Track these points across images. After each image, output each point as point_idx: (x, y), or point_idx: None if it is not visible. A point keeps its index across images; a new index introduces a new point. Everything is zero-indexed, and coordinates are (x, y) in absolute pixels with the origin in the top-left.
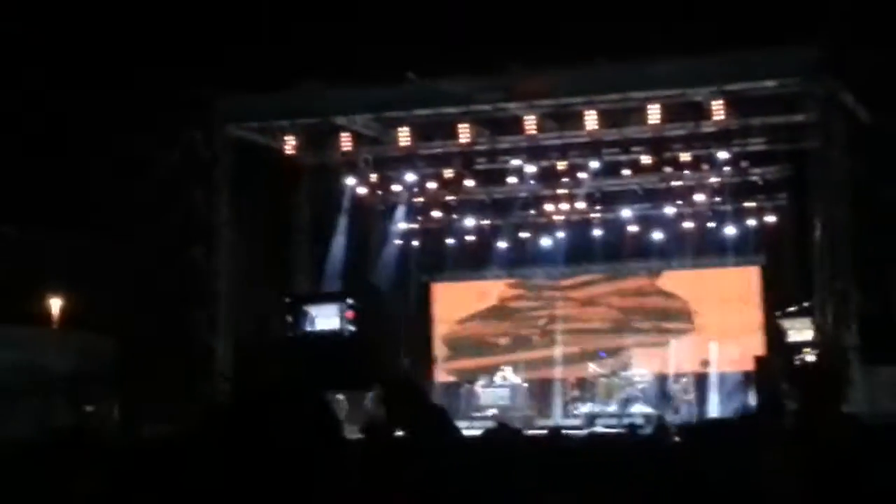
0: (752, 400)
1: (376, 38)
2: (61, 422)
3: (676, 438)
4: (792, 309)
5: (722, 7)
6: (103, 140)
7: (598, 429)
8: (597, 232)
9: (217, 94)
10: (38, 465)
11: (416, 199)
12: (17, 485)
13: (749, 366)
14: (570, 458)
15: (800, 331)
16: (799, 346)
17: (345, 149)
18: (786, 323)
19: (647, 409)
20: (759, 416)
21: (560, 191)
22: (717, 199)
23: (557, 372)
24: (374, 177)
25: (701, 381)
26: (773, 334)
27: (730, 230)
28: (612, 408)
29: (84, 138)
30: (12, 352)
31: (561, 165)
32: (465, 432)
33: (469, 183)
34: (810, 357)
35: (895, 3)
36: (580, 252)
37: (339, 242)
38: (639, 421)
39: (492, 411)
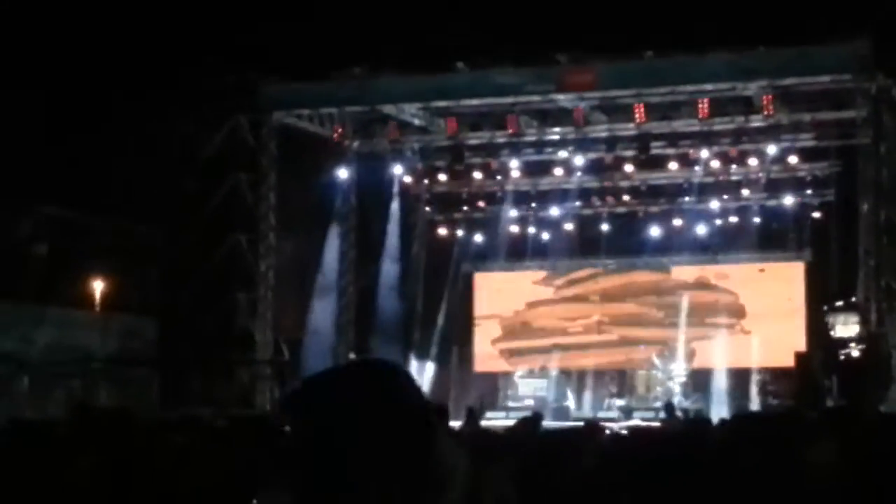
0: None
1: (426, 26)
2: (102, 401)
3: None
4: (839, 303)
5: (773, 2)
6: (150, 124)
7: (636, 421)
8: (643, 225)
9: (264, 80)
10: (75, 443)
11: (462, 189)
12: (54, 461)
13: (789, 361)
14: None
15: (846, 325)
16: (844, 342)
17: (392, 137)
18: (831, 317)
19: (687, 404)
20: (799, 411)
21: (607, 183)
22: (765, 194)
23: (595, 364)
24: (420, 166)
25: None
26: (817, 329)
27: (776, 225)
28: (650, 401)
29: (131, 123)
30: (54, 332)
31: (608, 158)
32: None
33: (515, 174)
34: (855, 352)
35: None
36: (624, 245)
37: (392, 230)
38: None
39: (528, 402)
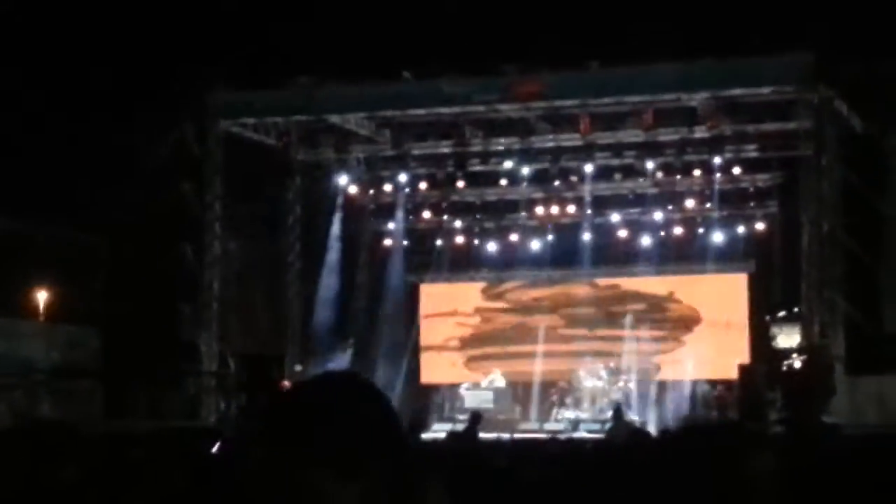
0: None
1: (372, 36)
2: (45, 413)
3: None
4: (781, 314)
5: (717, 13)
6: (92, 132)
7: (582, 434)
8: (586, 236)
9: (209, 89)
10: (15, 455)
11: (407, 200)
12: None
13: (732, 373)
14: (549, 464)
15: (788, 336)
16: (787, 352)
17: (337, 147)
18: (774, 328)
19: (632, 416)
20: (740, 422)
21: (551, 194)
22: (708, 204)
23: (542, 375)
24: (365, 176)
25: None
26: (761, 341)
27: (719, 236)
28: (596, 413)
29: (73, 130)
30: None
31: (553, 168)
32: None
33: (460, 184)
34: (797, 363)
35: (890, 13)
36: (569, 255)
37: (333, 244)
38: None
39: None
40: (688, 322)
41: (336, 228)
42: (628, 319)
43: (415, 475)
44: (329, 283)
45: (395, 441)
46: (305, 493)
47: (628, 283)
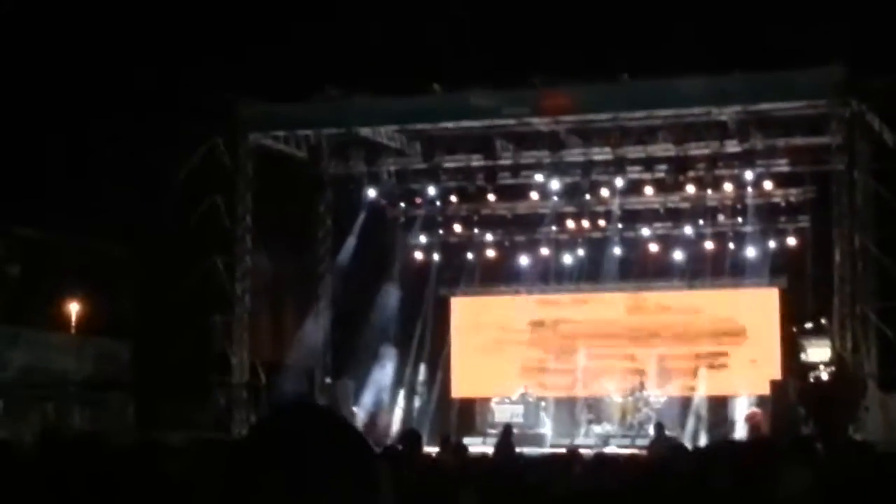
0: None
1: (402, 48)
2: (76, 425)
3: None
4: (809, 325)
5: (748, 27)
6: (125, 144)
7: (613, 448)
8: (617, 250)
9: (241, 101)
10: (46, 467)
11: (437, 213)
12: (23, 485)
13: (765, 389)
14: (581, 478)
15: (817, 349)
16: (815, 365)
17: (368, 160)
18: (802, 341)
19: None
20: (774, 439)
21: (581, 208)
22: (739, 219)
23: (573, 390)
24: (396, 189)
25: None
26: (791, 352)
27: (751, 251)
28: (626, 429)
29: (106, 143)
30: (29, 354)
31: (583, 182)
32: (477, 448)
33: (491, 198)
34: (824, 375)
35: None
36: (600, 270)
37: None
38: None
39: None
40: (719, 338)
41: (369, 241)
42: (659, 334)
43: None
44: (365, 294)
45: (358, 473)
46: None
47: (659, 297)
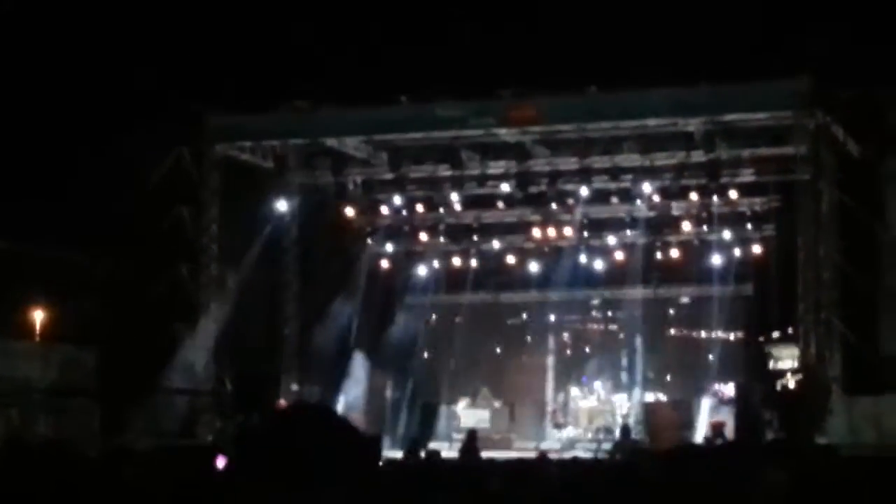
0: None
1: (369, 60)
2: (41, 432)
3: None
4: (776, 335)
5: (714, 39)
6: (90, 154)
7: (578, 452)
8: (583, 258)
9: (207, 112)
10: (7, 474)
11: (403, 222)
12: None
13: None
14: (552, 484)
15: (784, 357)
16: (782, 372)
17: (335, 170)
18: (769, 348)
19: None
20: (738, 442)
21: (547, 217)
22: (705, 227)
23: (538, 395)
24: (363, 199)
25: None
26: (757, 360)
27: (716, 259)
28: (592, 433)
29: (71, 153)
30: None
31: (550, 192)
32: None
33: (457, 207)
34: (791, 383)
35: (884, 39)
36: (566, 278)
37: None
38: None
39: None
40: (684, 342)
41: (335, 250)
42: (625, 340)
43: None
44: (331, 303)
45: (353, 465)
46: None
47: (625, 305)
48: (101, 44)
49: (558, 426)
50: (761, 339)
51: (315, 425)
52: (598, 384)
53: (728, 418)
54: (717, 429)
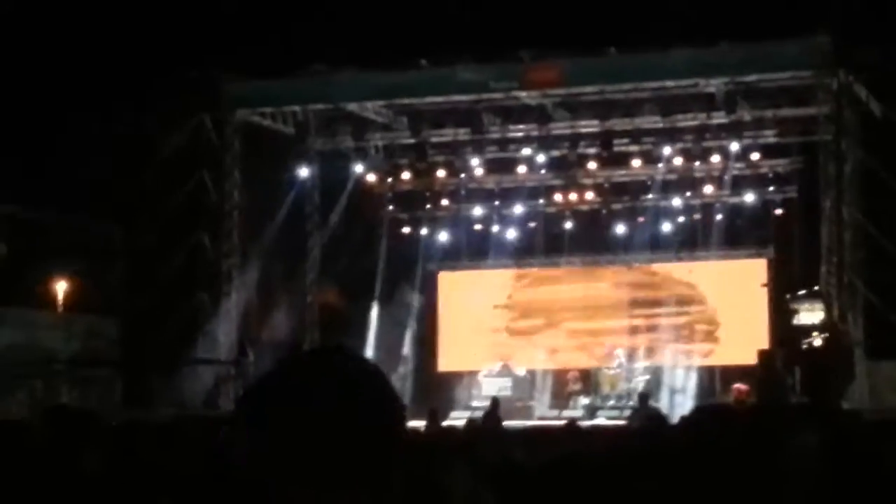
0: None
1: (388, 23)
2: (64, 402)
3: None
4: (802, 292)
5: None
6: (111, 122)
7: (601, 420)
8: (605, 222)
9: (227, 78)
10: (34, 443)
11: (425, 187)
12: (13, 462)
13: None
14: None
15: (810, 313)
16: (807, 330)
17: (355, 135)
18: (795, 304)
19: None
20: (763, 406)
21: (569, 181)
22: (727, 191)
23: (562, 362)
24: (383, 164)
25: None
26: (780, 325)
27: (739, 222)
28: (615, 400)
29: (91, 119)
30: (14, 333)
31: (571, 155)
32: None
33: (479, 171)
34: (817, 342)
35: None
36: (588, 242)
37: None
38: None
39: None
40: (707, 308)
41: (357, 216)
42: (647, 306)
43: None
44: (351, 269)
45: (382, 421)
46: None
47: (647, 269)
48: (126, 13)
49: (579, 394)
50: (787, 296)
51: (329, 374)
52: (619, 351)
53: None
54: (741, 394)
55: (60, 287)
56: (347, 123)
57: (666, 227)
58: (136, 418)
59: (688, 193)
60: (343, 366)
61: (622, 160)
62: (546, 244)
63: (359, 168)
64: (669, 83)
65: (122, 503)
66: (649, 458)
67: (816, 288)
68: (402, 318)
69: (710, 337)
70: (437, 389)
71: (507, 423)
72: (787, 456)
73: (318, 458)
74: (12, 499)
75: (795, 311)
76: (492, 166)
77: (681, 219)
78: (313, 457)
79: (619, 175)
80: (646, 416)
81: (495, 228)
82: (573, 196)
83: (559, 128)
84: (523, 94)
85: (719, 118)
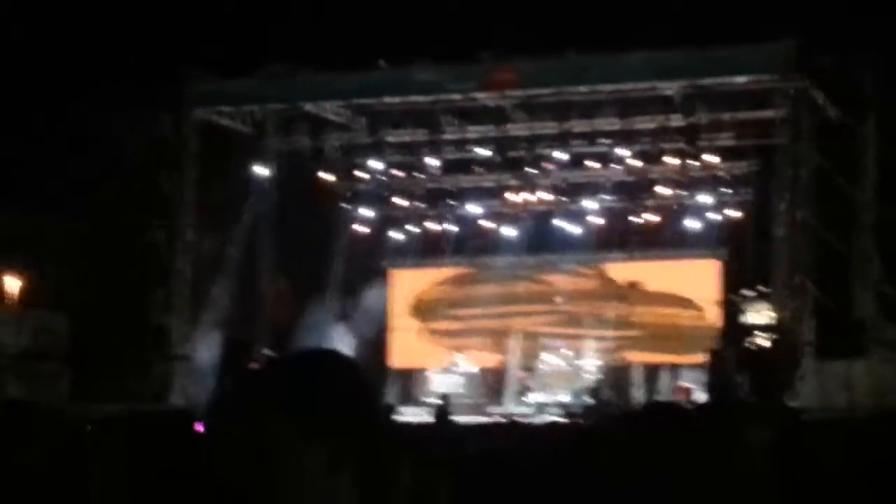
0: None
1: (347, 24)
2: (11, 395)
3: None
4: (750, 293)
5: (694, 1)
6: (66, 118)
7: (550, 417)
8: (559, 222)
9: (186, 76)
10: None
11: (381, 187)
12: None
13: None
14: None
15: (757, 313)
16: (752, 329)
17: (313, 135)
18: (742, 304)
19: (599, 399)
20: (713, 403)
21: (525, 181)
22: (683, 192)
23: (510, 360)
24: (341, 163)
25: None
26: (729, 318)
27: (693, 223)
28: (563, 398)
29: (45, 116)
30: None
31: (528, 156)
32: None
33: (435, 172)
34: (764, 342)
35: (864, 4)
36: (542, 242)
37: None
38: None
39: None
40: (658, 308)
41: (313, 215)
42: (598, 305)
43: (389, 453)
44: (309, 268)
45: (365, 414)
46: (273, 453)
47: (599, 269)
48: (84, 9)
49: (529, 391)
50: (732, 296)
51: (300, 375)
52: (566, 350)
53: (693, 384)
54: (684, 394)
55: (11, 283)
56: (306, 123)
57: (621, 227)
58: (85, 412)
59: (643, 195)
60: (329, 365)
61: (578, 162)
62: (499, 243)
63: (316, 168)
64: (628, 86)
65: (70, 498)
66: (596, 450)
67: (763, 289)
68: (355, 315)
69: (660, 336)
70: (389, 385)
71: (457, 419)
72: (737, 452)
73: (300, 448)
74: None
75: (741, 311)
76: (449, 166)
77: (635, 220)
78: (296, 446)
79: (575, 176)
80: (600, 408)
81: (450, 227)
82: (529, 196)
83: (517, 129)
84: (482, 95)
85: (677, 121)
